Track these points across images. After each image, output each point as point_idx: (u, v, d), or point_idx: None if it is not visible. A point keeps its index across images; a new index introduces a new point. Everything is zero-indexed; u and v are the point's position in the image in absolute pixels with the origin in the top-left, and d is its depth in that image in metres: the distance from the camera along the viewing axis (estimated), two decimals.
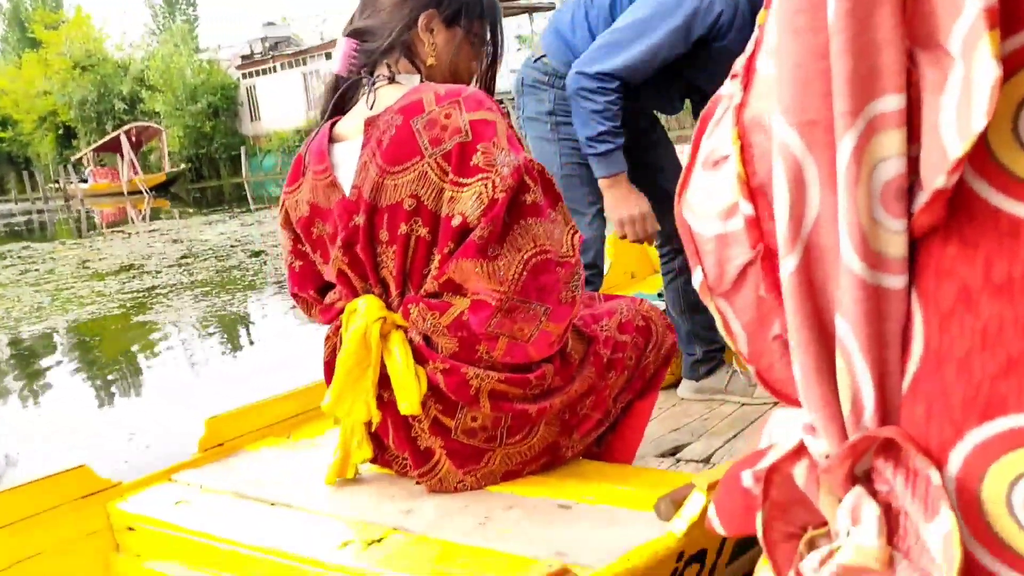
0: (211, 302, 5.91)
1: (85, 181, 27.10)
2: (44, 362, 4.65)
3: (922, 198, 0.42)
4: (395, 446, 1.46)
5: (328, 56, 28.47)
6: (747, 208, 0.52)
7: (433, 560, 1.29)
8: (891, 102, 0.41)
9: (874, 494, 0.47)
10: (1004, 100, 0.39)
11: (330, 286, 1.54)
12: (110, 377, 4.31)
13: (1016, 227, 0.41)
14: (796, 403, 0.55)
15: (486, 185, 1.27)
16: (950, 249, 0.42)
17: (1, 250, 11.36)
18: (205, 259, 8.34)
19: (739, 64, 0.56)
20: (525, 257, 1.30)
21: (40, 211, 22.05)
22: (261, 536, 1.45)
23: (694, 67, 2.01)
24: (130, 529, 1.59)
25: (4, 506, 1.51)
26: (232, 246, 9.22)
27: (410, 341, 1.37)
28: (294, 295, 1.59)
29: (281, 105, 29.55)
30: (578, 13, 2.08)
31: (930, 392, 0.44)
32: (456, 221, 1.29)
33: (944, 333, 0.43)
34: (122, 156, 24.91)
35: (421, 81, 1.43)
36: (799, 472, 0.52)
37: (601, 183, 2.02)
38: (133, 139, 25.57)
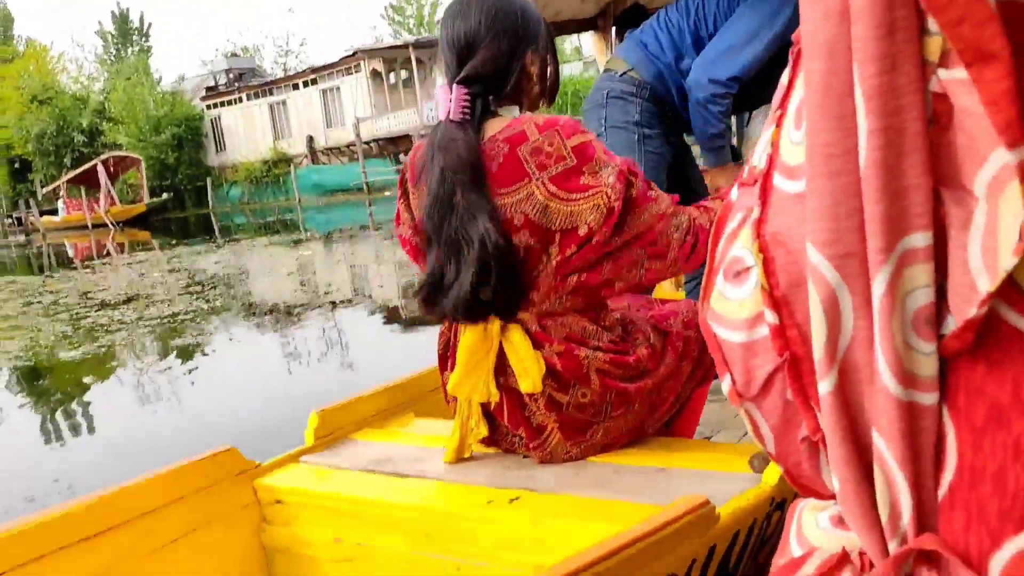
0: (246, 325, 5.96)
1: (55, 213, 26.42)
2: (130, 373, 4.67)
3: (951, 323, 0.45)
4: (509, 425, 1.63)
5: (295, 87, 28.61)
6: (772, 318, 0.55)
7: (578, 509, 1.45)
8: (919, 239, 0.45)
9: None
10: None
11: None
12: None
13: None
14: (824, 497, 0.59)
15: (601, 198, 1.47)
16: (979, 369, 0.45)
17: None
18: (214, 287, 8.34)
19: (747, 172, 0.60)
20: (642, 243, 1.54)
21: None
22: (408, 499, 1.60)
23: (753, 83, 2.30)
24: (278, 502, 1.74)
25: (169, 484, 1.64)
26: (239, 274, 9.22)
27: (526, 331, 1.56)
28: (415, 261, 1.77)
29: (247, 136, 29.45)
30: (660, 32, 2.35)
31: (967, 503, 0.46)
32: (583, 231, 1.48)
33: (977, 448, 0.45)
34: (98, 187, 24.29)
35: (520, 107, 1.62)
36: None
37: (714, 171, 2.39)
38: (111, 169, 24.89)
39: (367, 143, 25.53)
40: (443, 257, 1.56)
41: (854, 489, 0.51)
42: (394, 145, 25.19)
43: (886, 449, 0.48)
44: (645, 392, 1.61)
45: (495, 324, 1.56)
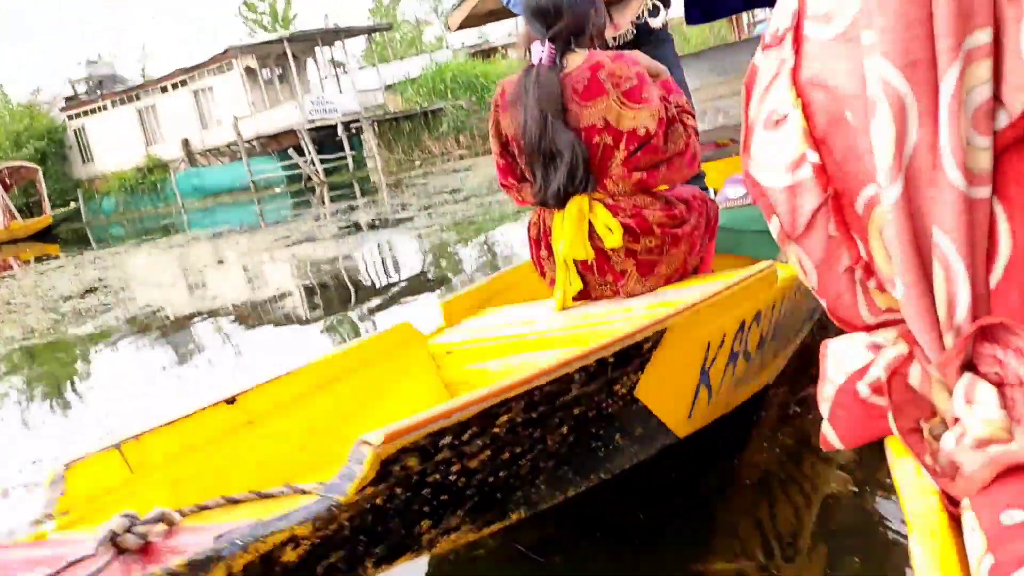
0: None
1: None
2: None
3: (1003, 119, 0.49)
4: (599, 274, 2.18)
5: (164, 90, 27.81)
6: (814, 157, 0.59)
7: (677, 302, 1.86)
8: (982, 36, 0.49)
9: (983, 377, 0.54)
10: None
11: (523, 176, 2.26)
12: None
13: None
14: (858, 328, 0.66)
15: (654, 109, 2.06)
16: None
17: None
18: (154, 281, 8.72)
19: (770, 35, 0.66)
20: (679, 144, 2.15)
21: None
22: (550, 325, 2.06)
23: None
24: (449, 352, 2.23)
25: (374, 346, 2.14)
26: (181, 270, 9.56)
27: (605, 206, 2.12)
28: (503, 184, 2.32)
29: (116, 144, 28.39)
30: None
31: (1022, 281, 0.51)
32: (641, 131, 2.06)
33: None
34: None
35: (588, 47, 2.18)
36: (914, 373, 0.59)
37: None
38: (6, 181, 23.09)
39: (249, 142, 25.30)
40: (543, 164, 2.13)
41: (917, 289, 0.54)
42: (277, 142, 25.04)
43: (948, 244, 0.52)
44: (686, 235, 2.21)
45: (585, 203, 2.13)
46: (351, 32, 26.01)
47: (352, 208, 13.26)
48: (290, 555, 1.07)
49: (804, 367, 2.56)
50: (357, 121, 24.03)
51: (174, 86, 27.37)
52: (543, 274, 2.34)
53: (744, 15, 6.66)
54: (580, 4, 2.12)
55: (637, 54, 2.19)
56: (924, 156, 0.52)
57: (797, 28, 0.62)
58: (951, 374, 0.55)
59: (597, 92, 2.07)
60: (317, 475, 1.80)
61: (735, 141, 4.45)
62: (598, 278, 2.22)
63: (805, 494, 1.94)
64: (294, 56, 25.38)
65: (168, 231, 16.49)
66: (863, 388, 0.63)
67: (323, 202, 16.57)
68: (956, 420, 0.55)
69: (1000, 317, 0.52)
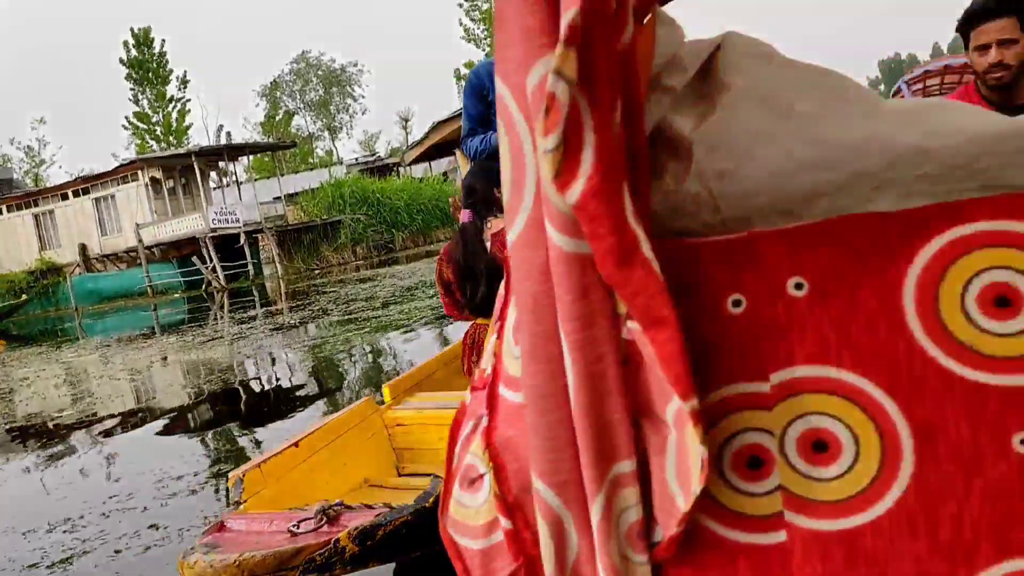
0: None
1: None
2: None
3: (659, 533, 0.52)
4: None
5: (64, 196, 28.21)
6: (506, 523, 0.59)
7: None
8: (626, 466, 0.51)
9: None
10: (711, 444, 0.48)
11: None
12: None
13: (734, 552, 0.50)
14: None
15: None
16: (684, 571, 0.51)
17: None
18: (115, 380, 9.91)
19: (478, 377, 0.67)
20: None
21: None
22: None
23: None
24: (399, 425, 3.01)
25: (344, 421, 2.82)
26: (114, 375, 10.70)
27: None
28: (448, 313, 2.95)
29: (9, 248, 28.51)
30: None
31: None
32: None
33: None
34: None
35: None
36: None
37: None
38: None
39: (149, 248, 26.13)
40: (471, 280, 2.75)
41: None
42: (176, 249, 25.96)
43: None
44: None
45: None
46: (256, 148, 27.64)
47: (272, 313, 14.62)
48: (402, 529, 1.99)
49: None
50: (259, 231, 25.39)
51: (75, 193, 27.98)
52: (470, 374, 2.86)
53: None
54: (485, 186, 2.85)
55: None
56: (587, 566, 0.54)
57: (493, 383, 0.63)
58: None
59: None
60: (344, 496, 2.60)
61: None
62: None
63: None
64: (200, 169, 26.69)
65: (58, 335, 16.67)
66: None
67: (222, 308, 17.31)
68: None
69: None
